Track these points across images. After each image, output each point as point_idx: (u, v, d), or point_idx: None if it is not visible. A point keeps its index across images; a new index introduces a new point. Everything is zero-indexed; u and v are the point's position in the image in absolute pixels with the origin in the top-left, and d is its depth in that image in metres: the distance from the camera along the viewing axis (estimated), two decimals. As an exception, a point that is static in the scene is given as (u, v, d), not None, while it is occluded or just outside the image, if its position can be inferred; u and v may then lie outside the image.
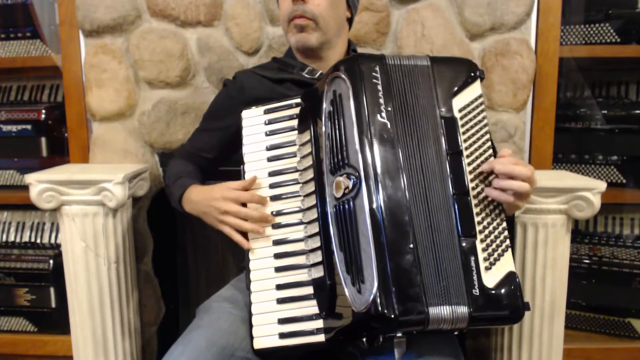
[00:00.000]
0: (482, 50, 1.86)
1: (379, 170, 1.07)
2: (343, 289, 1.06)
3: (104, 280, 1.72)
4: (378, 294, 0.99)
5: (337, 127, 1.12)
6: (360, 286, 1.03)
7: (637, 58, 2.00)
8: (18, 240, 2.21)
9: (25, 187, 1.72)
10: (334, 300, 1.12)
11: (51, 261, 2.05)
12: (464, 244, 1.08)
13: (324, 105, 1.15)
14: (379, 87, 1.12)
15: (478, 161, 1.15)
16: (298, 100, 1.27)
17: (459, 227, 1.09)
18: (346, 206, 1.07)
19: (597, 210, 1.60)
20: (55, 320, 2.09)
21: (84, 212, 1.70)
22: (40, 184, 1.66)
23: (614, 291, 2.00)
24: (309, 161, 1.20)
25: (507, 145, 1.83)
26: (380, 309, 0.99)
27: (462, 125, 1.16)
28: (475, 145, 1.16)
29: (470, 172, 1.13)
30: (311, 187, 1.19)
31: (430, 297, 1.03)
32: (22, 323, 2.11)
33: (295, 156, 1.25)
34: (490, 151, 1.17)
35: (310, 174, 1.19)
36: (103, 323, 1.75)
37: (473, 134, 1.17)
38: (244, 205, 1.27)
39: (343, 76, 1.13)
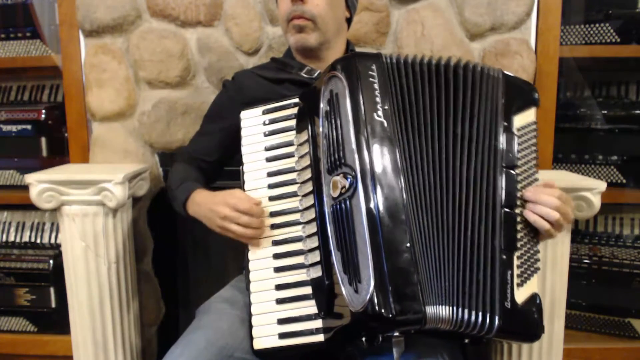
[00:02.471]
0: (482, 50, 1.86)
1: (375, 169, 1.06)
2: (341, 288, 1.06)
3: (104, 281, 1.72)
4: (375, 293, 0.99)
5: (334, 126, 1.12)
6: (357, 286, 1.02)
7: (637, 58, 2.00)
8: (18, 240, 2.21)
9: (25, 187, 1.71)
10: (332, 300, 1.11)
11: (51, 261, 2.05)
12: (504, 256, 1.09)
13: (321, 105, 1.15)
14: (376, 86, 1.12)
15: (525, 182, 1.16)
16: (296, 100, 1.27)
17: (502, 239, 1.10)
18: (343, 206, 1.07)
19: (597, 210, 1.60)
20: (55, 320, 2.09)
21: (84, 212, 1.70)
22: (40, 184, 1.66)
23: (614, 291, 2.00)
24: (306, 161, 1.20)
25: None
26: (377, 308, 0.99)
27: (517, 144, 1.17)
28: (524, 167, 1.17)
29: (518, 191, 1.14)
30: (309, 187, 1.18)
31: (428, 297, 1.03)
32: (22, 323, 2.11)
33: (294, 156, 1.25)
34: (537, 176, 1.19)
35: (308, 174, 1.19)
36: (103, 323, 1.75)
37: (524, 156, 1.18)
38: None
39: (340, 75, 1.12)
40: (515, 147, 1.16)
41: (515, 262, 1.11)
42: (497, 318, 1.05)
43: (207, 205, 1.31)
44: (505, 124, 1.17)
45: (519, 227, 1.13)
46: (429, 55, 1.18)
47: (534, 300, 1.11)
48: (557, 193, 1.14)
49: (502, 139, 1.15)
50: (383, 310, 0.99)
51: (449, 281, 1.06)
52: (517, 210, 1.13)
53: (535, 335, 1.12)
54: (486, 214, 1.11)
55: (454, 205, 1.10)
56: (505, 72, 1.22)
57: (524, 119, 1.20)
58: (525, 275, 1.11)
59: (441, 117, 1.14)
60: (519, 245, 1.12)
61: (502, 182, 1.13)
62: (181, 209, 1.42)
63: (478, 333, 1.07)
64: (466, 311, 1.05)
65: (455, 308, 1.05)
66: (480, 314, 1.06)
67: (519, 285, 1.10)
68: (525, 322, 1.10)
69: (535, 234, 1.16)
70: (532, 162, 1.19)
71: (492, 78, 1.19)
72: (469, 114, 1.15)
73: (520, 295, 1.09)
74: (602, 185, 1.60)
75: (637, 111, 2.01)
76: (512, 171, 1.14)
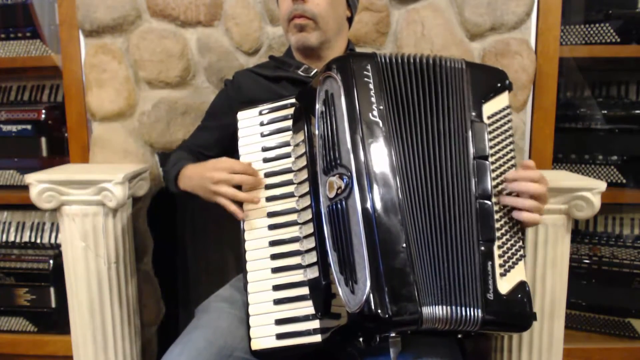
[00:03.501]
0: (482, 50, 1.86)
1: (371, 169, 1.06)
2: (338, 289, 1.06)
3: (104, 280, 1.72)
4: (371, 294, 0.99)
5: (329, 127, 1.12)
6: (353, 286, 1.03)
7: (637, 58, 1.99)
8: (18, 240, 2.21)
9: (25, 187, 1.71)
10: (329, 301, 1.12)
11: (51, 261, 2.05)
12: (482, 248, 1.09)
13: (317, 105, 1.15)
14: (371, 86, 1.12)
15: (501, 169, 1.16)
16: (293, 100, 1.28)
17: (479, 230, 1.10)
18: (339, 206, 1.07)
19: (597, 210, 1.60)
20: (55, 320, 2.09)
21: (84, 212, 1.70)
22: (40, 184, 1.67)
23: (614, 291, 2.00)
24: (303, 162, 1.20)
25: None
26: (373, 309, 0.99)
27: (489, 132, 1.17)
28: (500, 154, 1.17)
29: (493, 179, 1.14)
30: (306, 187, 1.19)
31: (425, 297, 1.03)
32: (22, 323, 2.12)
33: (291, 157, 1.25)
34: (514, 161, 1.18)
35: (304, 175, 1.19)
36: (103, 323, 1.75)
37: (498, 143, 1.17)
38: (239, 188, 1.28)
39: (335, 75, 1.13)
40: (486, 137, 1.15)
41: (496, 252, 1.10)
42: (479, 311, 1.05)
43: (197, 174, 1.33)
44: (474, 114, 1.16)
45: (497, 216, 1.12)
46: (421, 54, 1.19)
47: (521, 289, 1.10)
48: (537, 175, 1.13)
49: (471, 131, 1.15)
50: (379, 311, 0.99)
51: (443, 280, 1.06)
52: (495, 199, 1.13)
53: (524, 324, 1.10)
54: (463, 207, 1.11)
55: (439, 203, 1.10)
56: (469, 61, 1.22)
57: (495, 105, 1.20)
58: (509, 264, 1.10)
59: (427, 115, 1.15)
60: (499, 234, 1.11)
61: (474, 173, 1.13)
62: (173, 185, 1.44)
63: (465, 328, 1.06)
64: (457, 308, 1.05)
65: (450, 307, 1.05)
66: (464, 308, 1.05)
67: (502, 275, 1.09)
68: (511, 312, 1.08)
69: (518, 221, 1.15)
70: (509, 148, 1.18)
71: (456, 70, 1.19)
72: (445, 109, 1.15)
73: (505, 285, 1.09)
74: (602, 185, 1.59)
75: (637, 111, 2.00)
76: (484, 161, 1.14)
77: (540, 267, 1.64)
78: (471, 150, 1.14)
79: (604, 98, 2.10)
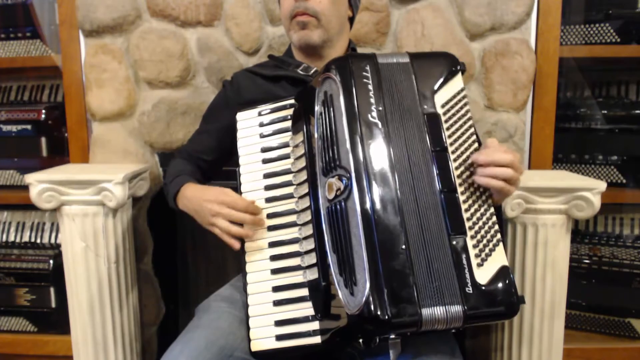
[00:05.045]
0: (482, 50, 1.86)
1: (370, 171, 1.07)
2: (337, 290, 1.06)
3: (104, 280, 1.73)
4: (370, 295, 0.99)
5: (328, 128, 1.12)
6: (352, 288, 1.03)
7: (637, 58, 1.99)
8: (18, 240, 2.22)
9: (25, 187, 1.72)
10: (328, 302, 1.12)
11: (51, 261, 2.05)
12: (454, 242, 1.07)
13: (316, 107, 1.16)
14: (370, 87, 1.12)
15: (464, 156, 1.14)
16: (292, 101, 1.28)
17: (448, 225, 1.08)
18: (338, 207, 1.07)
19: (597, 210, 1.60)
20: (55, 320, 2.09)
21: (84, 212, 1.70)
22: (40, 184, 1.67)
23: (613, 291, 2.00)
24: (302, 162, 1.20)
25: (507, 145, 1.83)
26: (373, 310, 0.99)
27: (446, 121, 1.15)
28: (460, 140, 1.15)
29: (457, 168, 1.12)
30: (305, 188, 1.19)
31: (423, 298, 1.02)
32: (22, 323, 2.12)
33: (290, 157, 1.25)
34: (476, 145, 1.16)
35: (304, 176, 1.19)
36: (103, 323, 1.75)
37: (457, 129, 1.16)
38: None
39: (334, 77, 1.13)
40: (442, 127, 1.14)
41: (470, 242, 1.08)
42: (459, 307, 1.03)
43: (197, 200, 1.32)
44: (426, 106, 1.15)
45: (465, 205, 1.11)
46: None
47: (503, 274, 1.06)
48: (503, 148, 1.13)
49: (426, 125, 1.14)
50: (379, 313, 0.99)
51: (438, 280, 1.05)
52: (462, 189, 1.11)
53: (510, 310, 1.06)
54: (433, 204, 1.09)
55: (422, 203, 1.09)
56: (411, 52, 1.21)
57: (448, 91, 1.18)
58: (486, 252, 1.08)
59: (403, 115, 1.14)
60: (470, 224, 1.09)
61: (434, 166, 1.11)
62: (172, 203, 1.43)
63: (449, 325, 1.04)
64: (448, 307, 1.03)
65: (446, 307, 1.03)
66: (452, 307, 1.03)
67: (479, 265, 1.06)
68: (495, 301, 1.05)
69: (489, 205, 1.13)
70: (469, 132, 1.17)
71: (403, 65, 1.18)
72: (407, 108, 1.15)
73: (484, 274, 1.06)
74: (602, 185, 1.59)
75: (637, 111, 2.00)
76: (443, 153, 1.12)
77: (540, 267, 1.64)
78: (428, 143, 1.12)
79: (604, 98, 2.10)
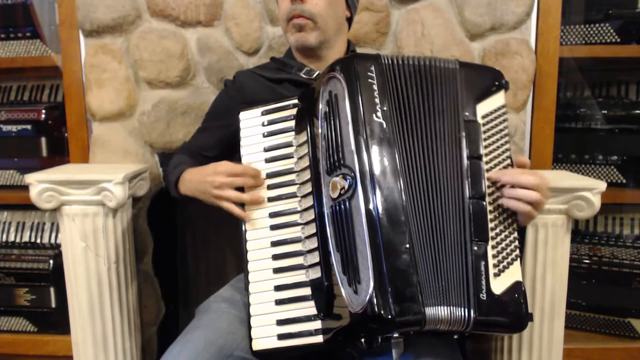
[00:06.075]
0: (482, 50, 1.86)
1: (375, 170, 1.07)
2: (340, 289, 1.06)
3: (104, 280, 1.72)
4: (374, 294, 0.99)
5: (333, 127, 1.12)
6: (356, 287, 1.03)
7: (637, 58, 2.00)
8: (18, 240, 2.21)
9: (25, 187, 1.71)
10: (331, 301, 1.11)
11: (51, 261, 2.05)
12: (475, 248, 1.09)
13: (320, 106, 1.15)
14: (375, 87, 1.12)
15: (497, 169, 1.15)
16: (295, 101, 1.27)
17: (472, 230, 1.09)
18: (342, 207, 1.07)
19: (597, 210, 1.60)
20: (55, 320, 2.09)
21: (84, 212, 1.70)
22: (40, 184, 1.66)
23: (613, 291, 2.00)
24: (306, 162, 1.20)
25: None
26: (376, 309, 0.99)
27: (484, 132, 1.16)
28: (495, 154, 1.17)
29: (488, 179, 1.14)
30: (308, 188, 1.19)
31: (427, 298, 1.03)
32: (22, 323, 2.11)
33: (293, 157, 1.25)
34: (509, 161, 1.18)
35: (307, 175, 1.19)
36: (103, 323, 1.75)
37: (493, 142, 1.17)
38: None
39: (338, 76, 1.13)
40: (480, 137, 1.15)
41: (490, 252, 1.10)
42: (472, 311, 1.05)
43: (197, 178, 1.34)
44: (467, 114, 1.16)
45: (492, 216, 1.12)
46: (419, 56, 1.19)
47: (516, 289, 1.09)
48: (532, 182, 1.13)
49: (464, 131, 1.15)
50: (382, 312, 0.99)
51: (445, 280, 1.06)
52: (490, 199, 1.13)
53: (519, 324, 1.09)
54: (456, 207, 1.11)
55: (435, 204, 1.10)
56: (463, 61, 1.22)
57: (490, 105, 1.20)
58: (504, 265, 1.10)
59: (424, 116, 1.15)
60: (493, 234, 1.11)
61: (467, 173, 1.12)
62: (174, 190, 1.44)
63: (457, 328, 1.06)
64: (450, 308, 1.05)
65: (447, 307, 1.05)
66: (456, 308, 1.05)
67: (496, 275, 1.08)
68: (505, 313, 1.08)
69: (513, 221, 1.15)
70: (504, 147, 1.18)
71: (449, 70, 1.19)
72: (439, 110, 1.15)
73: (499, 285, 1.08)
74: (602, 185, 1.59)
75: (637, 111, 2.01)
76: (478, 161, 1.14)
77: (540, 267, 1.65)
78: (464, 150, 1.14)
79: (604, 98, 2.10)
